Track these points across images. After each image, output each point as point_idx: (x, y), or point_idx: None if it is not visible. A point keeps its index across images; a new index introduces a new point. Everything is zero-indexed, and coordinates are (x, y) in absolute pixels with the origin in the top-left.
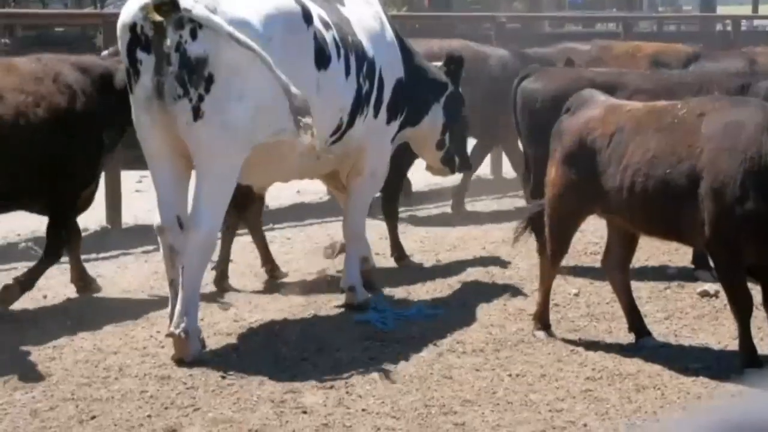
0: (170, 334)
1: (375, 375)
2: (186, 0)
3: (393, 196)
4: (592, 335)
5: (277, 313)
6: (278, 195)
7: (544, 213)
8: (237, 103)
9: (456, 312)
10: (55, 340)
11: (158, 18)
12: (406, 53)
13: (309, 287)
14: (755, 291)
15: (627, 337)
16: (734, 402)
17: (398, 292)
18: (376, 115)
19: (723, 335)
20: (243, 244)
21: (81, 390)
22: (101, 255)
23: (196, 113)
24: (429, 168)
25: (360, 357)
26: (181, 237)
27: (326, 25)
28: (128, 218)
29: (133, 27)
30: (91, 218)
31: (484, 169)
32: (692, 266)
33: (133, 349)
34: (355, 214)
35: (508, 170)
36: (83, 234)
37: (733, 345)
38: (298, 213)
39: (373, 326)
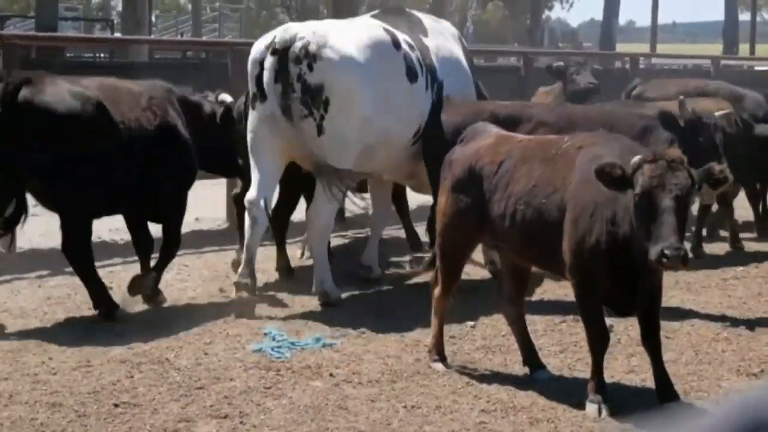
0: (314, 293)
1: (269, 405)
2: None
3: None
4: (488, 368)
5: (171, 341)
6: None
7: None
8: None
9: (353, 342)
10: None
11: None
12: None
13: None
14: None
15: (522, 370)
16: None
17: (296, 321)
18: None
19: (616, 369)
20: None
21: None
22: None
23: (320, 130)
24: None
25: (255, 386)
26: (263, 212)
27: (411, 48)
28: (22, 242)
29: (260, 62)
30: None
31: None
32: None
33: (24, 375)
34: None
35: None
36: None
37: (627, 379)
38: (196, 240)
39: (268, 355)
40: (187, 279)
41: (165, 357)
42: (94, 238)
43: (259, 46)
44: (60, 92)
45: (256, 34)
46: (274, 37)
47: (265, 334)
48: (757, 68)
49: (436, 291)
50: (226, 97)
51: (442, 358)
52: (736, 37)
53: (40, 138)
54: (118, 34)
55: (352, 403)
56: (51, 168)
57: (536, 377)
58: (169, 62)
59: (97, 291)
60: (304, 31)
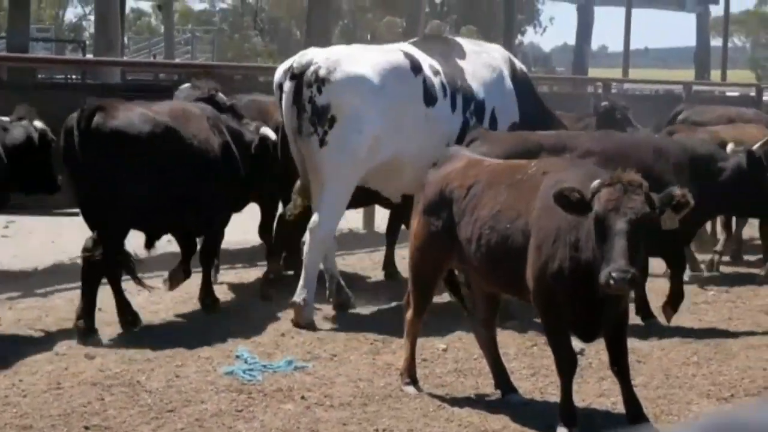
0: (291, 304)
1: (241, 428)
2: (291, 83)
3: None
4: (459, 391)
5: (143, 363)
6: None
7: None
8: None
9: (324, 365)
10: None
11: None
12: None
13: None
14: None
15: (494, 394)
16: None
17: (268, 344)
18: None
19: (587, 393)
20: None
21: None
22: None
23: (322, 143)
24: None
25: (226, 409)
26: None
27: (435, 72)
28: None
29: (280, 86)
30: None
31: (357, 223)
32: None
33: None
34: None
35: (380, 224)
36: None
37: (597, 403)
38: (168, 263)
39: (240, 378)
40: (159, 302)
41: (136, 379)
42: (64, 260)
43: (279, 71)
44: (131, 117)
45: (229, 57)
46: (293, 63)
47: (237, 356)
48: (728, 94)
49: (409, 313)
50: (268, 132)
51: (414, 381)
52: (708, 62)
53: (109, 160)
54: (90, 56)
55: (324, 426)
56: (115, 187)
57: (508, 400)
58: (142, 84)
59: (89, 307)
60: (318, 57)
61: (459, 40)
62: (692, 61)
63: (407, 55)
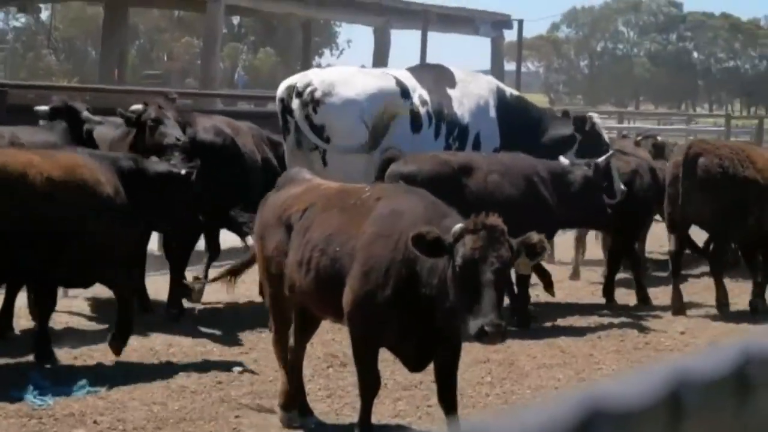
0: None
1: None
2: (294, 101)
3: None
4: (256, 413)
5: None
6: None
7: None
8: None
9: (117, 389)
10: None
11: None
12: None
13: None
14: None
15: None
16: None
17: (60, 367)
18: None
19: (382, 413)
20: None
21: None
22: None
23: (324, 162)
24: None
25: None
26: None
27: (423, 102)
28: None
29: (282, 100)
30: None
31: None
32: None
33: None
34: None
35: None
36: None
37: (393, 423)
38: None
39: (30, 403)
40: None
41: None
42: None
43: (281, 88)
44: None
45: (22, 76)
46: (296, 82)
47: (28, 380)
48: None
49: (273, 338)
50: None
51: (287, 407)
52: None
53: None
54: None
55: None
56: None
57: (303, 423)
58: None
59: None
60: (316, 79)
61: (452, 68)
62: None
63: (398, 81)
